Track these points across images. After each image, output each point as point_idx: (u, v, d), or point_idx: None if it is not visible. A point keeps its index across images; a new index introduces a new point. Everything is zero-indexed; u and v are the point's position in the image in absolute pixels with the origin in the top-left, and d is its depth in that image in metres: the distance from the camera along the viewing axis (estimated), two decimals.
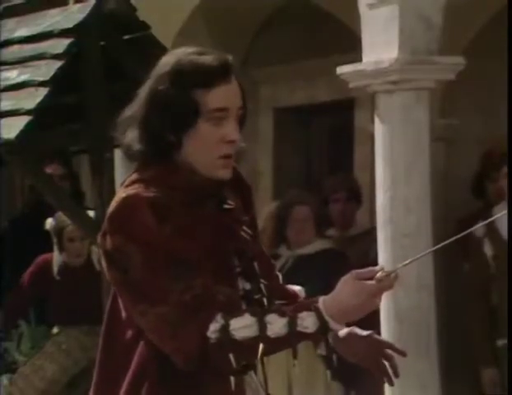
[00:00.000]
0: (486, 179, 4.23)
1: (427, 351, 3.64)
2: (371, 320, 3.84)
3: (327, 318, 1.67)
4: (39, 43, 3.29)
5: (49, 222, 3.83)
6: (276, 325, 1.67)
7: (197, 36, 4.82)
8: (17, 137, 3.10)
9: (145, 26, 3.40)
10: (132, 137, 1.74)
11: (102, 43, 3.36)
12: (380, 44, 3.65)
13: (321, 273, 3.78)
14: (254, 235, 1.83)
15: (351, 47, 4.08)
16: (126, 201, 1.71)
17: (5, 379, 3.51)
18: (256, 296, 1.79)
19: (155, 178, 1.74)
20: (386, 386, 3.68)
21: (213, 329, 1.66)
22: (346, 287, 1.69)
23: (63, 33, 3.25)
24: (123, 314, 1.74)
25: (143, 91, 1.74)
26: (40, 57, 3.24)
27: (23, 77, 3.23)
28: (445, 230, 4.44)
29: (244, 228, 1.81)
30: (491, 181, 4.19)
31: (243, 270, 1.79)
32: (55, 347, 3.51)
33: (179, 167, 1.74)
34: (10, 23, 3.44)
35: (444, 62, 3.71)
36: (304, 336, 1.69)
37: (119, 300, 1.74)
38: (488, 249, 3.96)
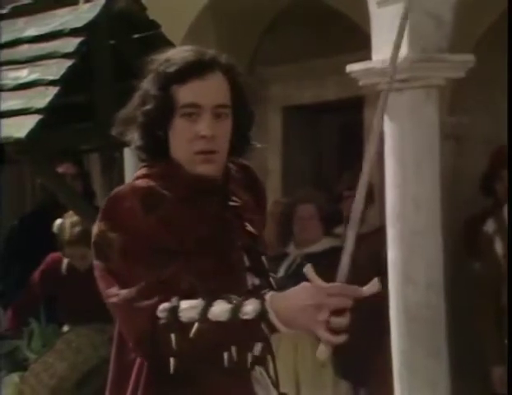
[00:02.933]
0: (495, 178, 4.22)
1: (437, 349, 3.63)
2: (380, 318, 3.85)
3: (268, 308, 1.62)
4: (49, 42, 3.30)
5: (56, 224, 3.84)
6: (218, 308, 1.63)
7: (205, 35, 4.82)
8: (27, 135, 3.11)
9: (155, 25, 3.41)
10: (134, 134, 1.78)
11: (112, 42, 3.37)
12: (390, 42, 3.63)
13: (328, 272, 3.78)
14: (260, 234, 1.84)
15: (361, 45, 4.08)
16: (119, 192, 1.74)
17: (16, 377, 3.53)
18: (265, 291, 1.78)
19: (159, 174, 1.77)
20: (395, 384, 3.67)
21: (162, 308, 1.65)
22: (298, 287, 1.65)
23: (73, 32, 3.26)
24: None
25: (138, 89, 1.79)
26: (50, 56, 3.25)
27: (33, 76, 3.24)
28: (455, 228, 4.43)
29: (247, 224, 1.81)
30: (500, 179, 4.18)
31: (252, 265, 1.79)
32: (65, 345, 3.52)
33: (176, 163, 1.77)
34: (19, 22, 3.46)
35: (454, 59, 3.70)
36: (245, 324, 1.63)
37: None
38: (499, 248, 3.95)
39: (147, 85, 1.76)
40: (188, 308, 1.64)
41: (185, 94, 1.74)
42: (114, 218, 1.70)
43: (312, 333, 1.63)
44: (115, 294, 1.68)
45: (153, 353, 1.66)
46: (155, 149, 1.77)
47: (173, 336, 1.63)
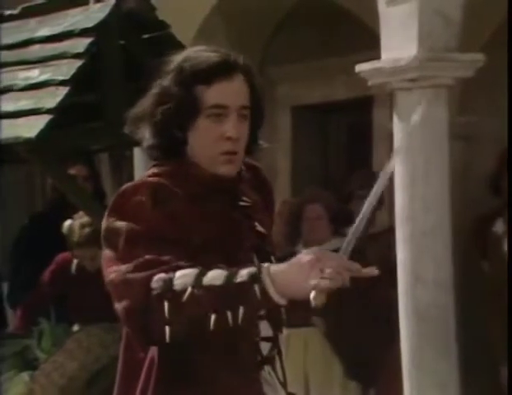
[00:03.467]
0: (503, 178, 4.21)
1: (446, 349, 3.62)
2: (389, 318, 3.84)
3: (264, 273, 1.61)
4: (59, 42, 3.32)
5: (65, 226, 3.85)
6: (213, 274, 1.62)
7: (215, 35, 4.83)
8: (38, 135, 3.13)
9: (164, 25, 3.42)
10: (145, 133, 1.78)
11: (122, 42, 3.38)
12: (399, 42, 3.64)
13: None
14: (269, 234, 1.85)
15: (369, 45, 4.08)
16: (128, 187, 1.76)
17: (26, 376, 3.54)
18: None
19: (170, 173, 1.77)
20: (405, 384, 3.67)
21: (157, 279, 1.63)
22: (300, 254, 1.65)
23: (84, 32, 3.28)
24: None
25: (152, 88, 1.78)
26: (61, 56, 3.27)
27: (44, 77, 3.26)
28: (464, 228, 4.42)
29: (257, 224, 1.82)
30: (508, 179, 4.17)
31: None
32: (75, 344, 3.53)
33: (192, 162, 1.77)
34: (31, 23, 3.48)
35: (463, 59, 3.69)
36: (238, 286, 1.61)
37: None
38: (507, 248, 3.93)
39: (167, 83, 1.75)
40: (183, 275, 1.63)
41: (212, 95, 1.74)
42: (122, 211, 1.71)
43: (305, 295, 1.61)
44: (114, 270, 1.68)
45: (144, 325, 1.63)
46: (170, 148, 1.77)
47: (166, 303, 1.62)
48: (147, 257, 1.67)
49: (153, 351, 1.73)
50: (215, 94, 1.74)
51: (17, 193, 5.77)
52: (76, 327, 3.78)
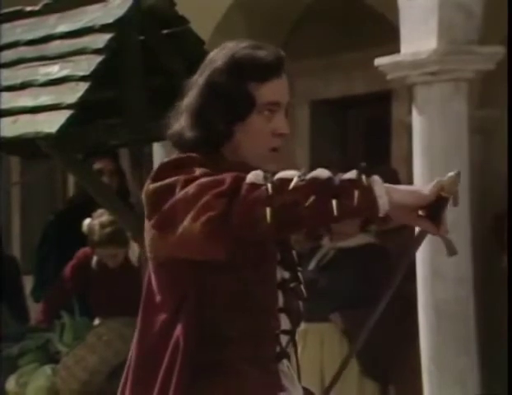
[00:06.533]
0: None
1: (466, 346, 3.60)
2: (409, 314, 3.80)
3: (375, 177, 1.64)
4: (79, 38, 3.34)
5: (85, 225, 3.84)
6: (318, 171, 1.65)
7: (234, 30, 4.83)
8: (58, 131, 3.14)
9: (184, 21, 3.43)
10: (184, 125, 1.76)
11: (141, 37, 3.39)
12: (419, 35, 3.62)
13: (360, 267, 3.76)
14: None
15: (388, 39, 4.06)
16: (173, 158, 1.74)
17: (48, 369, 3.57)
18: (293, 285, 1.80)
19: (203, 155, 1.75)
20: (424, 381, 3.65)
21: (255, 173, 1.65)
22: None
23: (104, 28, 3.29)
24: (158, 298, 1.75)
25: (196, 83, 1.77)
26: (81, 52, 3.29)
27: (64, 72, 3.28)
28: (483, 224, 4.39)
29: None
30: None
31: (282, 259, 1.80)
32: (96, 338, 3.55)
33: (225, 157, 1.77)
34: (51, 19, 3.50)
35: (484, 52, 3.66)
36: (345, 181, 1.63)
37: (153, 284, 1.76)
38: None
39: (219, 79, 1.74)
40: (283, 173, 1.65)
41: (267, 92, 1.77)
42: (170, 174, 1.69)
43: (412, 200, 1.67)
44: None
45: (226, 211, 1.61)
46: (209, 142, 1.76)
47: (269, 184, 1.63)
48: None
49: (178, 334, 1.71)
50: (269, 91, 1.77)
51: (38, 192, 5.80)
52: (96, 321, 3.80)
